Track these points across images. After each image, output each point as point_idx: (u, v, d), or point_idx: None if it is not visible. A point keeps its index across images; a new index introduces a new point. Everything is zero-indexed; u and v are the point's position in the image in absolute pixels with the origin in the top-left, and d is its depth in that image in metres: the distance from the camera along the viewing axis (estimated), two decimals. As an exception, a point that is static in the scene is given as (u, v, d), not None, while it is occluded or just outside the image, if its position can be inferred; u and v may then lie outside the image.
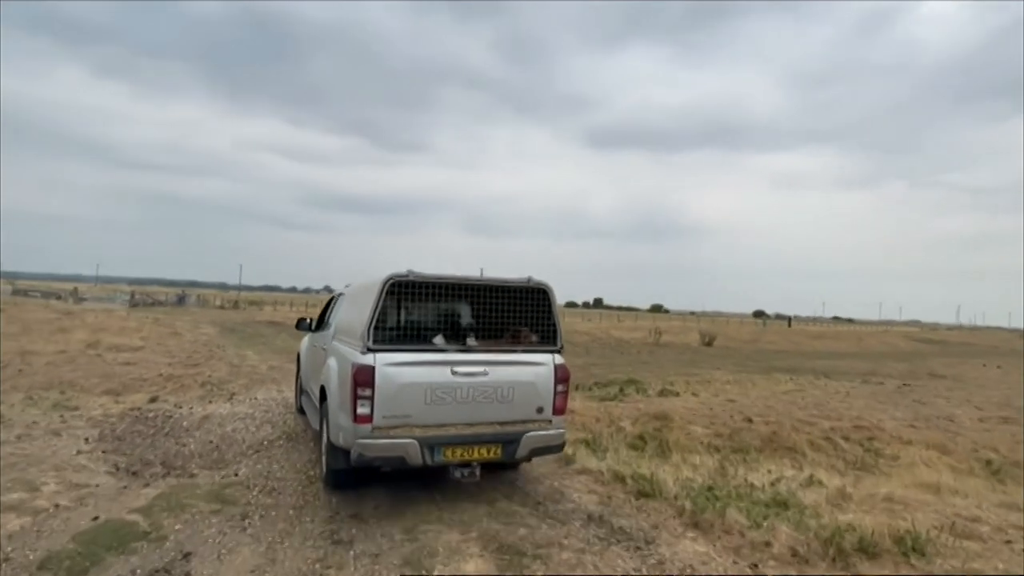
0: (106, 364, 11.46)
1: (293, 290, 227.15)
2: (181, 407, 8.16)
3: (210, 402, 8.66)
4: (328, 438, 4.65)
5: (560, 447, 4.83)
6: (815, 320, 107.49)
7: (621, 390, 11.31)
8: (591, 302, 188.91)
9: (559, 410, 4.69)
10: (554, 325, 4.84)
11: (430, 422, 4.28)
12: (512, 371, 4.54)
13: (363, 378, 4.13)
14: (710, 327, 37.65)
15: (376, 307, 4.31)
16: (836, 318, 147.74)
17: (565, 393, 4.77)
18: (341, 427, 4.34)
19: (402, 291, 4.52)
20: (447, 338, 4.68)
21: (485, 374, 4.43)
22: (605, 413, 8.89)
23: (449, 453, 4.29)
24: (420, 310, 5.15)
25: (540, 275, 4.87)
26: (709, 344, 29.44)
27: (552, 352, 4.78)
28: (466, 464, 4.37)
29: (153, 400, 8.86)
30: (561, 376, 4.70)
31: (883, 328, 73.46)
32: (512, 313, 4.82)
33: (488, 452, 4.41)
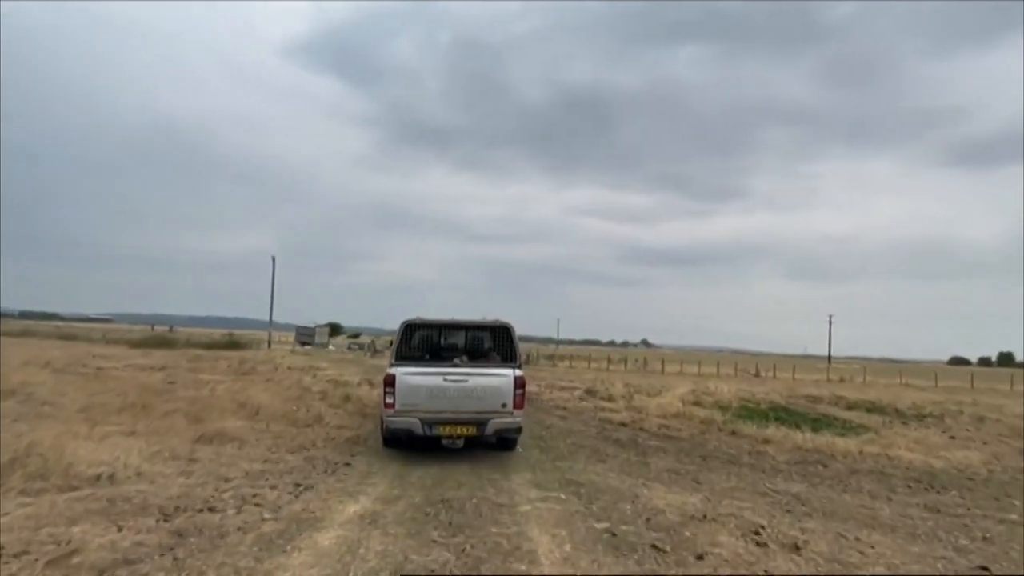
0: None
1: (612, 343, 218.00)
2: None
3: None
4: (381, 418, 7.85)
5: (518, 430, 7.74)
6: None
7: None
8: (992, 358, 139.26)
9: (518, 406, 7.47)
10: (514, 350, 8.05)
11: (430, 409, 7.24)
12: (484, 379, 7.47)
13: (389, 380, 7.28)
14: None
15: (399, 339, 8.03)
16: None
17: (522, 394, 7.56)
18: (382, 411, 7.61)
19: (413, 330, 8.61)
20: (442, 359, 8.44)
21: (466, 381, 7.37)
22: None
23: (440, 429, 7.28)
24: (426, 341, 9.22)
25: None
26: None
27: (513, 367, 7.73)
28: (450, 437, 7.35)
29: None
30: (519, 383, 7.49)
31: None
32: (488, 342, 9.18)
33: (466, 430, 7.33)
